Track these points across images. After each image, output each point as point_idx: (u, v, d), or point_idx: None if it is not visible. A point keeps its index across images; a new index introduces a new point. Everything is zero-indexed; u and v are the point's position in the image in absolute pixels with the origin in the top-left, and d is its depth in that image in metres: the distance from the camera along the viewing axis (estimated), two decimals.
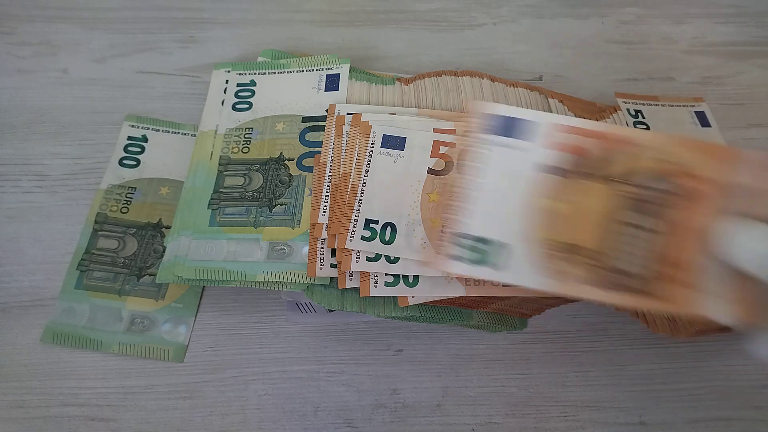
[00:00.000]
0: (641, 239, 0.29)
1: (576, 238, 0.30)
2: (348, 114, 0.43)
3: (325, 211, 0.39)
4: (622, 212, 0.30)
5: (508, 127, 0.32)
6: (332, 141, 0.42)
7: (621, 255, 0.29)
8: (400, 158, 0.40)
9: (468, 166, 0.32)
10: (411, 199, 0.39)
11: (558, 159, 0.31)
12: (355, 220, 0.38)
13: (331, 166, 0.41)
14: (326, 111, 0.44)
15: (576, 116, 0.46)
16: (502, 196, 0.31)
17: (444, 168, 0.40)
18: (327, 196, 0.40)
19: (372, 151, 0.40)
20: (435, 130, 0.41)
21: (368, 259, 0.37)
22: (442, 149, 0.40)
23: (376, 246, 0.37)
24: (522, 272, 0.30)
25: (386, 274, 0.37)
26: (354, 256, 0.37)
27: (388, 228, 0.38)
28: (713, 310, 0.29)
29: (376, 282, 0.37)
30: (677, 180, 0.29)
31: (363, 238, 0.37)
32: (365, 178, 0.39)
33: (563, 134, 0.31)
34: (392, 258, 0.37)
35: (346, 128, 0.42)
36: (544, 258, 0.30)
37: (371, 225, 0.38)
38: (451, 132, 0.41)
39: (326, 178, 0.41)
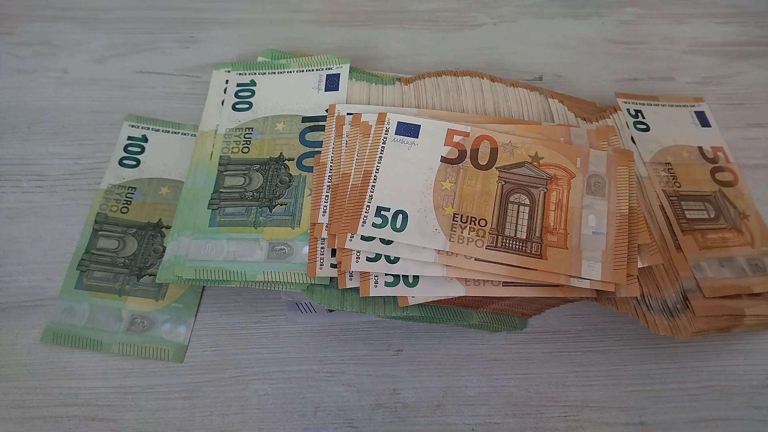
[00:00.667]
0: (524, 213, 0.39)
1: (478, 212, 0.39)
2: (348, 114, 0.43)
3: (325, 211, 0.39)
4: (507, 193, 0.40)
5: (407, 130, 0.41)
6: (332, 141, 0.42)
7: (510, 225, 0.38)
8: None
9: (371, 159, 0.40)
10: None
11: (454, 153, 0.41)
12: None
13: (331, 166, 0.41)
14: (326, 111, 0.44)
15: (576, 116, 0.46)
16: (404, 177, 0.40)
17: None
18: (327, 196, 0.40)
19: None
20: (449, 131, 0.42)
21: (368, 259, 0.37)
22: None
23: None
24: (424, 233, 0.38)
25: (386, 274, 0.37)
26: (354, 256, 0.37)
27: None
28: (588, 272, 0.37)
29: (376, 282, 0.37)
30: (542, 167, 0.40)
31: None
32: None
33: (457, 135, 0.41)
34: (392, 258, 0.37)
35: (346, 128, 0.42)
36: (450, 227, 0.38)
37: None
38: (464, 134, 0.42)
39: (326, 178, 0.41)
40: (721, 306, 0.40)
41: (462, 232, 0.38)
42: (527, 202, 0.39)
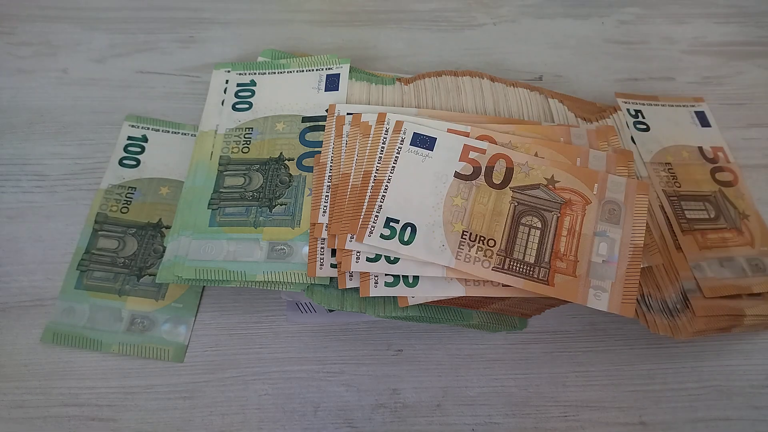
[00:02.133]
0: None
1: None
2: (348, 114, 0.43)
3: (325, 211, 0.39)
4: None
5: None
6: (332, 141, 0.42)
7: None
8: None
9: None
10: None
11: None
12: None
13: (331, 166, 0.41)
14: (326, 111, 0.44)
15: (576, 116, 0.46)
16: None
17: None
18: (327, 196, 0.40)
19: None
20: (449, 131, 0.41)
21: (368, 260, 0.37)
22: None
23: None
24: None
25: (386, 275, 0.37)
26: (354, 257, 0.37)
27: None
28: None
29: (376, 282, 0.37)
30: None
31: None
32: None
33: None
34: (392, 258, 0.37)
35: (346, 128, 0.42)
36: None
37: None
38: (465, 134, 0.41)
39: (326, 178, 0.41)
40: (721, 306, 0.40)
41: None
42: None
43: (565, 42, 0.57)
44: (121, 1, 0.58)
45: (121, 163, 0.48)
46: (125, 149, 0.49)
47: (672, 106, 0.52)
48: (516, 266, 0.37)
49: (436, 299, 0.37)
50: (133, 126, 0.50)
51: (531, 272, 0.37)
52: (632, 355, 0.43)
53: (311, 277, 0.38)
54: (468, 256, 0.37)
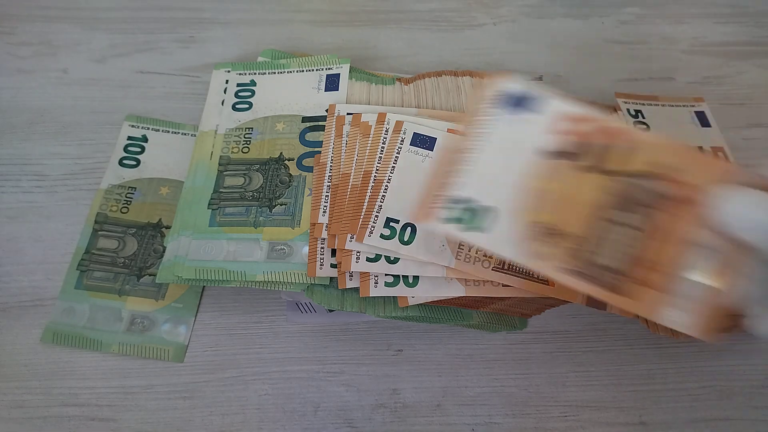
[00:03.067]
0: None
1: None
2: (348, 114, 0.43)
3: (325, 211, 0.39)
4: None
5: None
6: (332, 141, 0.42)
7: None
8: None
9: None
10: None
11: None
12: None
13: (331, 166, 0.41)
14: (326, 111, 0.44)
15: None
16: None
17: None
18: (327, 196, 0.40)
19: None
20: (449, 131, 0.41)
21: (368, 260, 0.37)
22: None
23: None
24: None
25: (386, 275, 0.37)
26: (354, 257, 0.37)
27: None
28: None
29: (376, 282, 0.37)
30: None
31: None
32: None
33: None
34: (392, 258, 0.37)
35: (346, 128, 0.42)
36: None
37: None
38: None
39: (326, 178, 0.41)
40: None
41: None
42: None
43: (565, 42, 0.57)
44: (121, 1, 0.58)
45: (121, 163, 0.48)
46: (125, 149, 0.49)
47: (672, 106, 0.52)
48: (516, 265, 0.37)
49: (436, 299, 0.37)
50: (133, 126, 0.50)
51: (532, 272, 0.37)
52: (632, 355, 0.43)
53: (311, 277, 0.38)
54: (468, 256, 0.37)
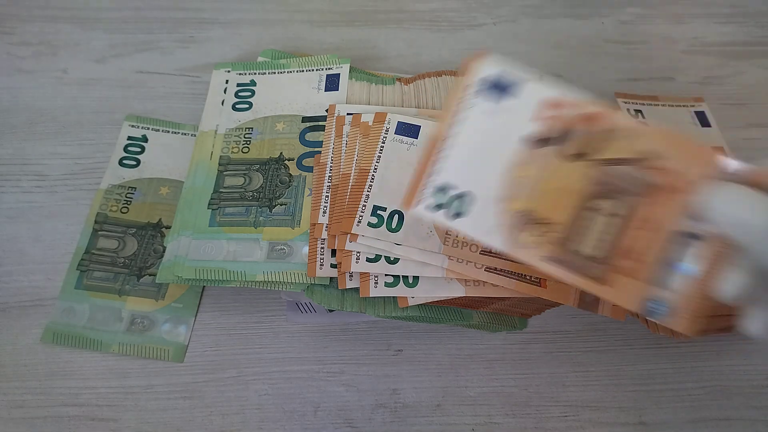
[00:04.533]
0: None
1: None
2: (348, 114, 0.43)
3: (325, 212, 0.39)
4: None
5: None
6: (332, 141, 0.42)
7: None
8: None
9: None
10: None
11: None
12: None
13: (331, 166, 0.41)
14: (326, 111, 0.44)
15: None
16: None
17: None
18: (327, 196, 0.40)
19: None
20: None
21: (368, 260, 0.37)
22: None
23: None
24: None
25: (386, 275, 0.37)
26: (354, 257, 0.37)
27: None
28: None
29: (376, 282, 0.37)
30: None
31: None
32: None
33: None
34: (392, 259, 0.37)
35: (346, 128, 0.42)
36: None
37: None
38: None
39: (326, 178, 0.41)
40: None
41: (456, 237, 0.37)
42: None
43: (565, 42, 0.57)
44: (121, 1, 0.58)
45: (121, 163, 0.48)
46: (125, 149, 0.49)
47: (672, 106, 0.52)
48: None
49: (436, 299, 0.37)
50: (133, 126, 0.50)
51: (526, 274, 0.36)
52: (632, 355, 0.43)
53: (311, 277, 0.38)
54: (456, 241, 0.37)
